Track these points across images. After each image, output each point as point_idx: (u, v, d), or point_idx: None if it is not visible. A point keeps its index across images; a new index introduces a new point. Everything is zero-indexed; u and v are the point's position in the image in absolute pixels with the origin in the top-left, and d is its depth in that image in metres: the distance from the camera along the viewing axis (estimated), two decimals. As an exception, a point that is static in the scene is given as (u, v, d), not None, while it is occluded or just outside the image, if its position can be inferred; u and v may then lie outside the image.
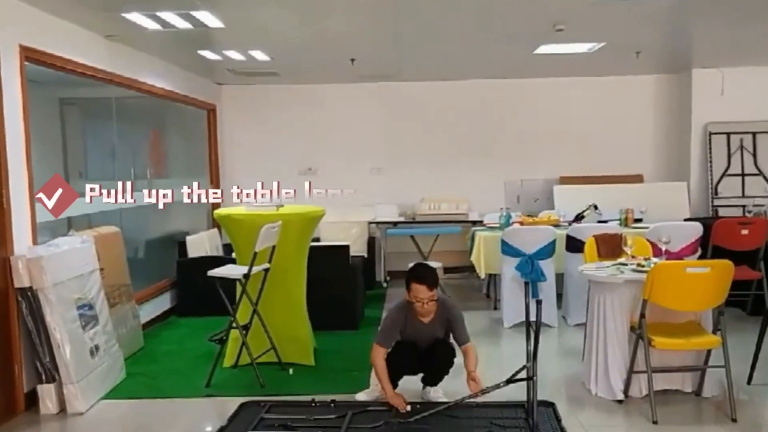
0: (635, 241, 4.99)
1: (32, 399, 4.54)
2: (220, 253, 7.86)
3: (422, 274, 4.29)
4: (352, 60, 7.22)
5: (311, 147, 9.25)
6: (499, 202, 8.58)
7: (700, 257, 6.44)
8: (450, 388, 4.64)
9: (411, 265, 4.51)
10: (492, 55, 7.34)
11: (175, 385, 5.07)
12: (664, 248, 4.82)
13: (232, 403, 4.43)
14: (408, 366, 4.46)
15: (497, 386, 4.12)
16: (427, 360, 4.47)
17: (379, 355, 4.30)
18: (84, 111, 6.85)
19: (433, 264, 7.44)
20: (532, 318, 4.17)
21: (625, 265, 4.67)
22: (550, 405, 4.35)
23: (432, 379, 4.57)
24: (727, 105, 8.39)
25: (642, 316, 4.23)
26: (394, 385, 4.39)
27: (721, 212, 8.34)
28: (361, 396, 4.58)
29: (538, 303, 3.91)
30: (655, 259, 4.73)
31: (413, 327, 4.40)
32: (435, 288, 4.29)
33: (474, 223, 8.28)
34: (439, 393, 4.56)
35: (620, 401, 4.43)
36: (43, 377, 4.50)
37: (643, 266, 4.50)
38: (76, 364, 4.51)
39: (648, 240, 5.44)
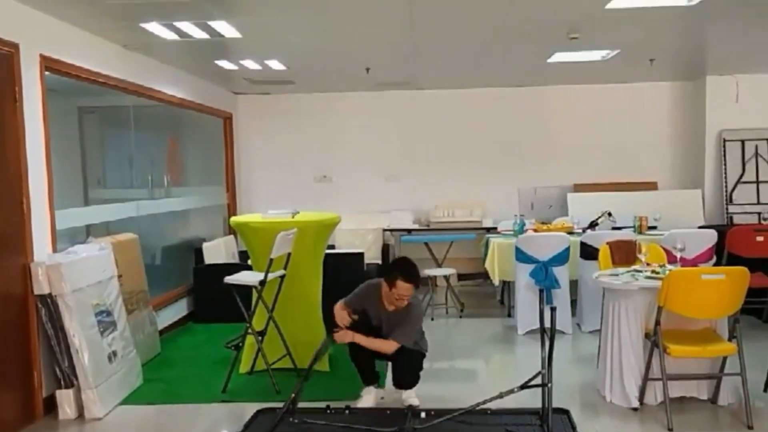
0: (650, 248, 4.99)
1: (51, 404, 4.59)
2: (236, 259, 7.92)
3: (411, 274, 4.36)
4: (367, 69, 7.27)
5: (326, 155, 9.31)
6: (512, 209, 8.58)
7: (715, 264, 6.43)
8: (462, 395, 4.67)
9: (396, 258, 4.72)
10: (506, 63, 7.37)
11: (191, 390, 5.11)
12: (678, 255, 4.81)
13: (248, 409, 4.47)
14: (368, 354, 4.50)
15: (511, 391, 4.12)
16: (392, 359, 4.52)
17: (341, 307, 4.49)
18: (102, 119, 6.94)
19: (442, 271, 7.54)
20: (547, 325, 4.19)
21: (640, 272, 4.67)
22: (565, 412, 4.36)
23: (400, 381, 4.59)
24: (741, 112, 8.36)
25: (657, 323, 4.23)
26: (366, 377, 4.60)
27: (736, 219, 8.30)
28: (365, 401, 4.60)
29: (553, 310, 3.91)
30: (669, 266, 4.73)
31: (376, 308, 4.50)
32: (418, 286, 4.43)
33: (488, 230, 8.30)
34: (412, 395, 4.58)
35: (635, 408, 4.42)
36: (62, 382, 4.56)
37: (657, 273, 4.50)
38: (94, 369, 4.57)
39: (662, 247, 5.44)
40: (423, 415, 4.32)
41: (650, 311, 4.40)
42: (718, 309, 4.25)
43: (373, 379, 4.68)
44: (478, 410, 4.20)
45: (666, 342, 4.22)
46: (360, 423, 4.20)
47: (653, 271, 4.58)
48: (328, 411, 4.36)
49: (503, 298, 7.86)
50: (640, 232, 7.04)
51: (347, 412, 4.36)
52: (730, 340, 4.34)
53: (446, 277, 7.65)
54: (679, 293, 4.15)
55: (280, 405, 4.35)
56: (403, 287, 4.30)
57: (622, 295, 4.47)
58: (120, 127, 6.81)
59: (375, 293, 4.50)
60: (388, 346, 4.36)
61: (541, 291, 5.61)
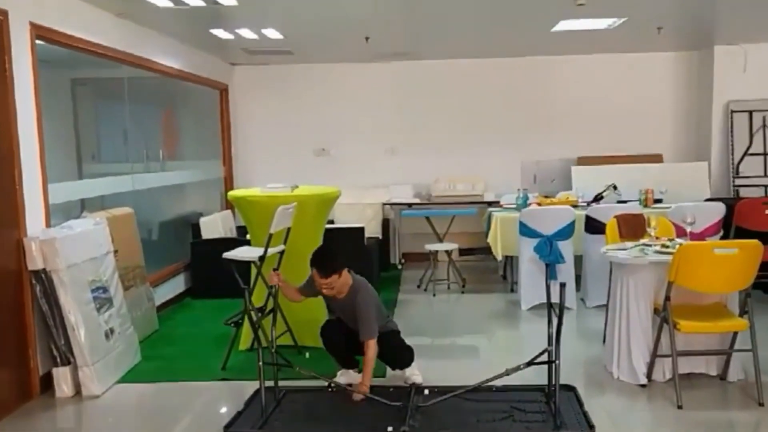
0: (659, 221, 4.87)
1: (47, 382, 4.50)
2: (233, 234, 7.81)
3: (315, 260, 4.29)
4: (367, 38, 7.09)
5: (325, 127, 9.15)
6: (515, 183, 8.45)
7: (722, 238, 6.32)
8: (465, 372, 4.59)
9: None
10: (510, 32, 7.19)
11: (190, 368, 5.03)
12: (689, 229, 4.70)
13: (249, 387, 4.38)
14: (340, 341, 4.47)
15: (518, 368, 4.04)
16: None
17: (295, 293, 4.58)
18: (96, 92, 6.78)
19: (443, 246, 7.43)
20: (554, 300, 4.10)
21: (649, 246, 4.56)
22: (572, 389, 4.28)
23: (394, 365, 4.58)
24: (749, 82, 8.21)
25: (667, 298, 4.12)
26: (345, 361, 4.55)
27: (743, 192, 8.18)
28: (340, 378, 4.52)
29: (562, 286, 3.80)
30: (679, 240, 4.61)
31: (328, 297, 4.49)
32: (329, 276, 4.23)
33: (490, 203, 8.17)
34: (415, 372, 4.53)
35: (643, 385, 4.34)
36: (58, 360, 4.46)
37: (667, 247, 4.39)
38: (90, 347, 4.47)
39: (670, 220, 5.33)
40: (426, 392, 4.25)
41: (659, 286, 4.30)
42: (730, 283, 4.15)
43: (352, 364, 4.58)
44: (482, 387, 4.13)
45: (676, 318, 4.12)
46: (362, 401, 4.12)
47: (663, 245, 4.46)
48: (330, 390, 4.27)
49: (506, 273, 7.77)
50: (646, 206, 6.93)
51: (349, 390, 4.26)
52: (741, 315, 4.24)
53: (448, 252, 7.54)
54: (690, 268, 4.04)
55: (281, 385, 4.29)
56: (314, 274, 4.27)
57: (631, 270, 4.37)
58: (114, 100, 6.65)
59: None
60: (371, 349, 4.22)
61: (547, 266, 5.49)
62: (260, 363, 3.97)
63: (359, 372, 4.57)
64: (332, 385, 4.27)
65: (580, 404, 4.06)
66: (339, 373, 4.56)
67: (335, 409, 4.16)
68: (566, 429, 3.75)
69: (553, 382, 3.94)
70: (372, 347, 4.22)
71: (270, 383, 4.16)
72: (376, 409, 4.02)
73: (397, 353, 4.51)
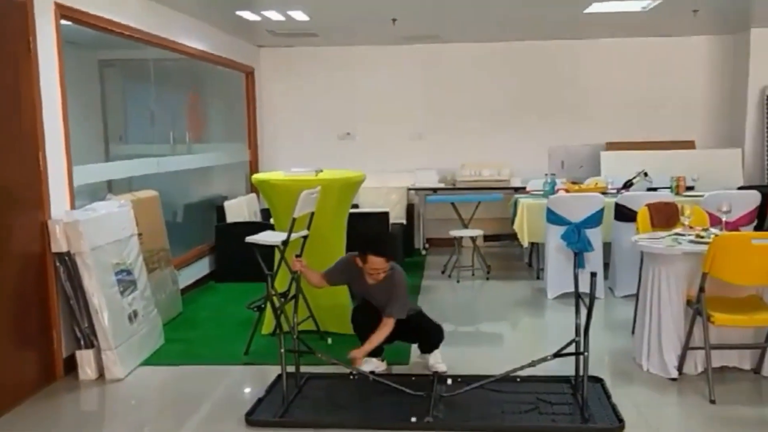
0: (693, 210, 4.73)
1: (71, 364, 4.51)
2: (258, 218, 7.78)
3: (381, 248, 4.28)
4: (394, 20, 6.97)
5: (350, 111, 9.07)
6: (542, 168, 8.33)
7: (756, 228, 6.16)
8: (489, 360, 4.52)
9: (367, 233, 4.61)
10: (540, 14, 7.03)
11: (213, 351, 5.01)
12: (724, 218, 4.56)
13: (271, 371, 4.35)
14: (372, 326, 4.35)
15: (545, 359, 3.96)
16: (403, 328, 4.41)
17: (318, 278, 4.54)
18: (123, 73, 6.76)
19: (468, 232, 7.33)
20: (582, 290, 4.00)
21: (683, 236, 4.43)
22: (599, 381, 4.18)
23: (426, 345, 4.53)
24: (786, 67, 7.99)
25: (701, 290, 4.00)
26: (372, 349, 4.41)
27: (777, 180, 7.99)
28: (364, 366, 4.44)
29: (593, 275, 3.70)
30: (714, 230, 4.48)
31: (359, 282, 4.43)
32: (389, 260, 4.30)
33: (516, 189, 8.06)
34: (439, 360, 4.47)
35: (674, 379, 4.23)
36: (82, 343, 4.46)
37: (702, 237, 4.26)
38: (114, 330, 4.46)
39: (704, 209, 5.18)
40: (449, 381, 4.18)
41: (693, 277, 4.18)
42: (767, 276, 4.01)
43: (377, 352, 4.51)
44: (507, 377, 4.05)
45: (710, 310, 4.00)
46: (385, 388, 4.06)
47: (697, 235, 4.33)
48: (352, 377, 4.21)
49: (531, 261, 7.66)
50: (677, 193, 6.77)
51: (372, 378, 4.21)
52: (778, 308, 4.11)
53: (473, 238, 7.45)
54: (726, 259, 3.91)
55: (302, 369, 4.26)
56: (374, 261, 4.23)
57: (664, 261, 4.24)
58: (141, 82, 6.63)
59: (351, 268, 4.43)
60: (388, 327, 4.26)
61: (575, 254, 5.38)
62: (281, 350, 3.92)
63: (383, 360, 4.52)
64: (354, 373, 4.21)
65: (608, 396, 3.98)
66: (363, 360, 4.50)
67: (357, 397, 4.12)
68: (594, 422, 3.66)
69: (581, 374, 3.84)
70: (390, 326, 4.26)
71: (291, 369, 4.13)
72: (398, 398, 3.96)
73: (432, 332, 4.48)
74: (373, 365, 4.47)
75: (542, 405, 3.90)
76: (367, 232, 4.58)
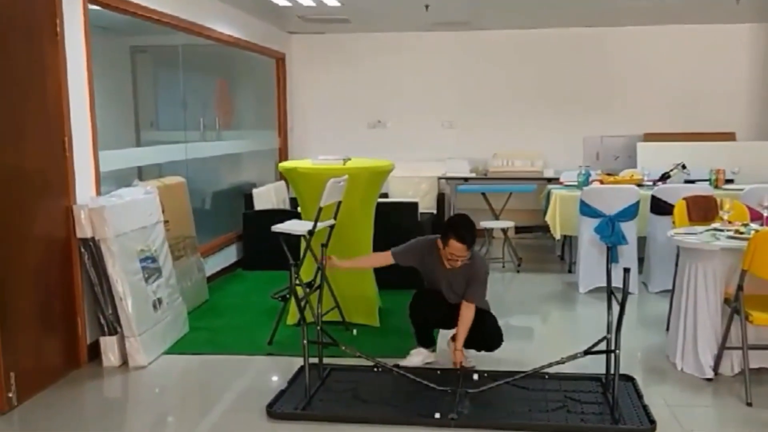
0: (733, 205, 4.55)
1: (95, 351, 4.50)
2: (287, 206, 7.74)
3: (464, 234, 4.03)
4: (427, 6, 6.84)
5: (381, 99, 8.97)
6: (576, 159, 8.14)
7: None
8: (518, 355, 4.45)
9: (452, 216, 4.41)
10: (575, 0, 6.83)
11: (237, 340, 4.97)
12: (766, 213, 4.37)
13: (295, 363, 4.28)
14: (436, 313, 4.29)
15: (575, 357, 3.84)
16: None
17: (382, 256, 4.35)
18: (155, 59, 6.74)
19: (499, 223, 7.20)
20: (614, 285, 3.87)
21: (721, 231, 4.26)
22: (630, 379, 4.05)
23: (481, 344, 4.34)
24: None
25: (740, 288, 3.84)
26: (421, 339, 4.41)
27: (821, 174, 7.67)
28: (413, 357, 4.39)
29: (626, 271, 3.56)
30: (754, 226, 4.29)
31: (434, 266, 4.23)
32: (473, 246, 4.08)
33: (549, 180, 7.89)
34: (467, 355, 4.32)
35: (709, 379, 4.08)
36: (106, 329, 4.45)
37: (742, 233, 4.09)
38: (138, 317, 4.44)
39: (744, 203, 4.99)
40: (476, 377, 4.05)
41: (731, 274, 4.01)
42: (811, 275, 3.83)
43: (429, 342, 4.45)
44: (535, 375, 3.95)
45: (748, 309, 3.84)
46: (410, 383, 3.98)
47: (737, 231, 4.16)
48: (376, 370, 4.14)
49: (563, 254, 7.50)
50: (716, 186, 6.56)
51: (396, 371, 4.13)
52: (820, 308, 3.92)
53: (504, 230, 7.31)
54: (767, 256, 3.74)
55: (326, 360, 4.19)
56: (455, 247, 4.01)
57: (701, 256, 4.08)
58: (172, 68, 6.61)
59: (433, 250, 4.20)
60: (470, 311, 4.15)
61: (609, 248, 5.23)
62: (305, 341, 3.85)
63: (433, 351, 4.46)
64: (378, 367, 4.13)
65: (639, 396, 3.85)
66: (413, 351, 4.43)
67: (380, 390, 4.04)
68: (624, 423, 3.54)
69: (612, 372, 3.72)
70: (472, 310, 4.14)
71: (315, 360, 4.06)
72: (423, 393, 3.88)
73: (494, 339, 4.30)
74: (423, 356, 4.40)
75: (571, 403, 3.79)
76: (454, 215, 4.32)
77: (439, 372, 4.20)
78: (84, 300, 4.43)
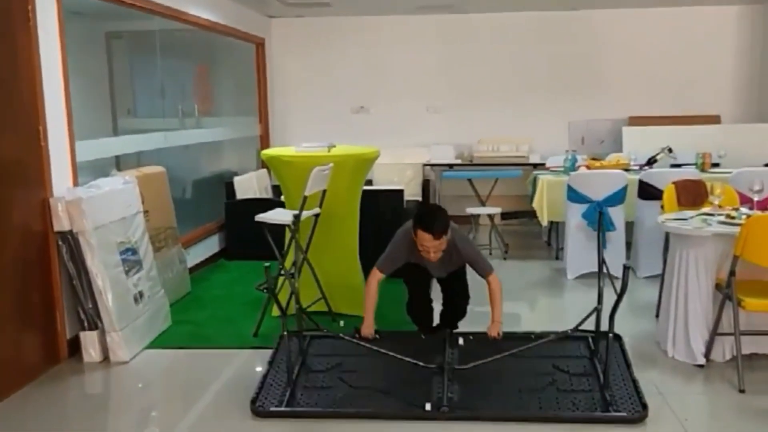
0: (724, 189, 4.50)
1: (75, 346, 4.38)
2: (269, 194, 7.62)
3: (428, 222, 3.83)
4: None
5: (364, 84, 8.84)
6: (562, 144, 8.11)
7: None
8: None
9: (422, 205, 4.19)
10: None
11: (222, 333, 4.87)
12: (757, 198, 4.32)
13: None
14: (429, 309, 4.34)
15: (565, 333, 3.95)
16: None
17: (375, 280, 4.06)
18: (132, 45, 6.57)
19: (486, 210, 7.13)
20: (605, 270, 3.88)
21: (712, 215, 4.21)
22: (618, 338, 4.06)
23: (445, 322, 4.40)
24: (819, 38, 7.67)
25: (732, 273, 3.80)
26: (428, 325, 4.37)
27: (806, 157, 7.67)
28: None
29: (626, 269, 3.60)
30: (745, 210, 4.25)
31: (421, 260, 4.06)
32: (443, 236, 3.83)
33: (535, 166, 7.83)
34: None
35: (701, 365, 4.04)
36: (86, 324, 4.33)
37: (733, 218, 4.04)
38: (119, 311, 4.32)
39: (732, 187, 4.95)
40: (461, 341, 4.01)
41: (722, 260, 3.97)
42: (804, 260, 3.79)
43: (434, 330, 4.39)
44: (521, 337, 4.05)
45: (741, 295, 3.80)
46: (392, 348, 3.87)
47: (728, 216, 4.11)
48: (357, 336, 3.99)
49: (550, 240, 7.45)
50: (703, 170, 6.51)
51: (377, 336, 3.97)
52: (813, 293, 3.89)
53: (490, 216, 7.25)
54: (759, 241, 3.70)
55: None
56: (424, 237, 3.83)
57: (692, 242, 4.03)
58: (150, 54, 6.44)
59: (414, 246, 3.99)
60: (497, 284, 4.06)
61: (600, 213, 5.26)
62: (284, 332, 3.74)
63: None
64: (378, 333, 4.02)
65: (627, 363, 3.92)
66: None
67: (364, 369, 3.97)
68: (616, 407, 3.48)
69: (603, 355, 3.70)
70: (496, 280, 4.05)
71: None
72: (410, 371, 3.81)
73: (458, 300, 4.35)
74: None
75: (559, 377, 3.78)
76: (421, 207, 4.25)
77: (423, 337, 4.14)
78: (63, 294, 4.31)
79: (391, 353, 3.81)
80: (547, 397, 3.63)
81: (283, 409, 3.57)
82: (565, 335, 4.08)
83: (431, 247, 3.85)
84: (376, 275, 4.07)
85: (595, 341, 4.09)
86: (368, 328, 3.96)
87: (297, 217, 4.54)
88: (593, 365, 3.91)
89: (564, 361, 3.90)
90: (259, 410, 3.56)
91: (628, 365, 3.94)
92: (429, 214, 3.92)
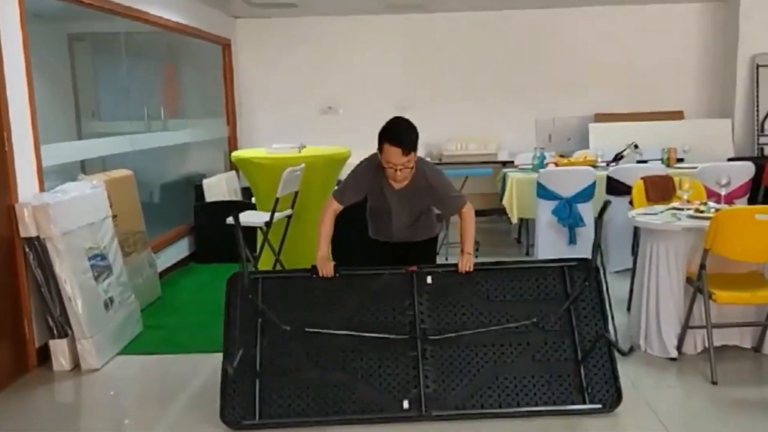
0: (693, 184, 4.57)
1: (45, 355, 4.29)
2: (238, 196, 7.55)
3: (397, 134, 3.46)
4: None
5: (332, 84, 8.81)
6: (529, 141, 8.16)
7: (750, 200, 6.04)
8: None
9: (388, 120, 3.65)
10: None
11: (193, 338, 4.80)
12: (723, 192, 4.40)
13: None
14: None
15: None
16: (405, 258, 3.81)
17: (330, 211, 3.67)
18: (95, 47, 6.46)
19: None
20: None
21: (681, 210, 4.27)
22: (597, 271, 3.67)
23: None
24: (777, 35, 7.83)
25: (702, 267, 3.85)
26: None
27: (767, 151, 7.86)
28: None
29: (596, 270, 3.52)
30: (713, 204, 4.32)
31: (382, 193, 3.70)
32: (412, 152, 3.49)
33: (504, 163, 7.88)
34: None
35: (673, 359, 4.10)
36: (55, 332, 4.24)
37: (702, 212, 4.10)
38: (89, 318, 4.24)
39: (699, 181, 5.04)
40: (429, 280, 3.65)
41: (692, 254, 4.03)
42: (773, 252, 3.87)
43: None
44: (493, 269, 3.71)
45: (711, 288, 3.85)
46: (355, 292, 3.60)
47: (696, 210, 4.17)
48: (313, 276, 3.63)
49: (520, 236, 7.51)
50: (669, 165, 6.62)
51: (337, 275, 3.63)
52: (781, 285, 3.98)
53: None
54: (729, 235, 3.77)
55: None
56: (390, 152, 3.44)
57: (662, 237, 4.08)
58: (113, 55, 6.33)
59: (378, 170, 3.64)
60: (471, 216, 3.71)
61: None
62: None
63: None
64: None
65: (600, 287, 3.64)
66: None
67: (332, 353, 3.58)
68: (594, 402, 3.46)
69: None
70: (471, 210, 3.71)
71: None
72: (381, 354, 3.53)
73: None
74: None
75: (534, 339, 3.54)
76: (389, 121, 3.62)
77: (387, 273, 3.69)
78: (31, 302, 4.21)
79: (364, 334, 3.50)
80: (523, 384, 3.48)
81: (255, 422, 3.43)
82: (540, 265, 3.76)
83: (399, 164, 3.47)
84: (333, 206, 3.68)
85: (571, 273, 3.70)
86: (325, 263, 3.58)
87: (270, 219, 4.51)
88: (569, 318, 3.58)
89: (540, 310, 3.55)
90: (229, 421, 3.43)
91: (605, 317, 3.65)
92: (397, 125, 3.56)
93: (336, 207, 3.69)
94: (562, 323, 3.62)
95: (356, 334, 3.56)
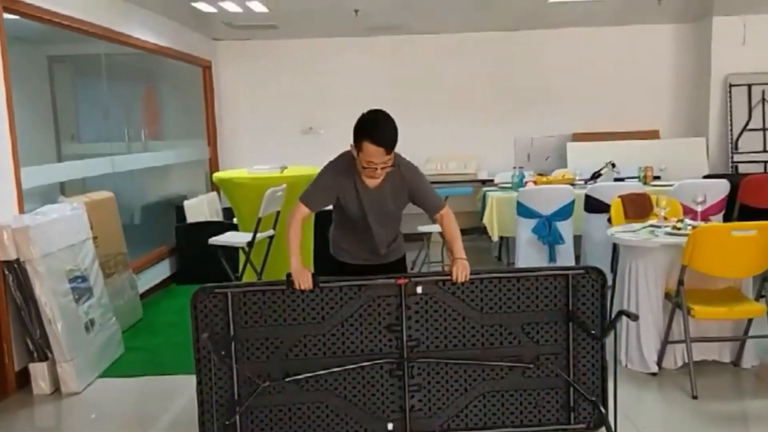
0: (669, 202, 4.65)
1: (24, 378, 4.24)
2: (220, 217, 7.52)
3: (379, 133, 3.14)
4: (356, 11, 6.79)
5: (313, 105, 8.85)
6: (508, 161, 8.23)
7: (725, 216, 6.14)
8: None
9: (363, 114, 3.35)
10: (504, 4, 6.90)
11: (175, 360, 4.77)
12: (700, 209, 4.48)
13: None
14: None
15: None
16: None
17: (299, 216, 3.29)
18: (75, 69, 6.46)
19: (437, 227, 7.12)
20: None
21: (659, 227, 4.34)
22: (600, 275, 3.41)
23: None
24: (748, 55, 7.99)
25: (680, 282, 3.91)
26: None
27: (741, 168, 7.99)
28: None
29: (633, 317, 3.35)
30: (690, 221, 4.39)
31: (355, 193, 3.32)
32: (393, 150, 3.18)
33: (484, 182, 7.94)
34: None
35: (654, 374, 4.14)
36: (35, 355, 4.21)
37: (679, 229, 4.17)
38: (69, 340, 4.21)
39: (676, 199, 5.12)
40: (420, 290, 3.36)
41: (671, 270, 4.10)
42: (749, 267, 3.94)
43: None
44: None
45: (690, 303, 3.92)
46: (336, 306, 3.35)
47: (674, 227, 4.24)
48: (291, 289, 3.27)
49: (500, 255, 7.56)
50: (645, 183, 6.70)
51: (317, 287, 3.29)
52: (757, 300, 4.05)
53: (441, 234, 7.28)
54: (706, 251, 3.83)
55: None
56: (370, 152, 3.11)
57: (641, 253, 4.15)
58: (93, 78, 6.34)
59: (350, 169, 3.30)
60: (451, 219, 3.43)
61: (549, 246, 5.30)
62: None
63: None
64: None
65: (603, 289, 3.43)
66: None
67: (317, 380, 3.44)
68: (579, 421, 3.47)
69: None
70: (450, 212, 3.43)
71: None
72: (365, 376, 3.38)
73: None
74: None
75: (526, 351, 3.40)
76: (365, 113, 3.34)
77: (373, 285, 3.37)
78: (10, 325, 4.17)
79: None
80: (510, 403, 3.42)
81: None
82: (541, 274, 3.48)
83: (380, 163, 3.16)
84: (301, 211, 3.30)
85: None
86: (302, 272, 3.19)
87: (252, 239, 4.51)
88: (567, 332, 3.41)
89: (535, 326, 3.37)
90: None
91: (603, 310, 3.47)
92: (376, 122, 3.22)
93: (304, 212, 3.32)
94: (558, 336, 3.43)
95: (338, 356, 3.38)
